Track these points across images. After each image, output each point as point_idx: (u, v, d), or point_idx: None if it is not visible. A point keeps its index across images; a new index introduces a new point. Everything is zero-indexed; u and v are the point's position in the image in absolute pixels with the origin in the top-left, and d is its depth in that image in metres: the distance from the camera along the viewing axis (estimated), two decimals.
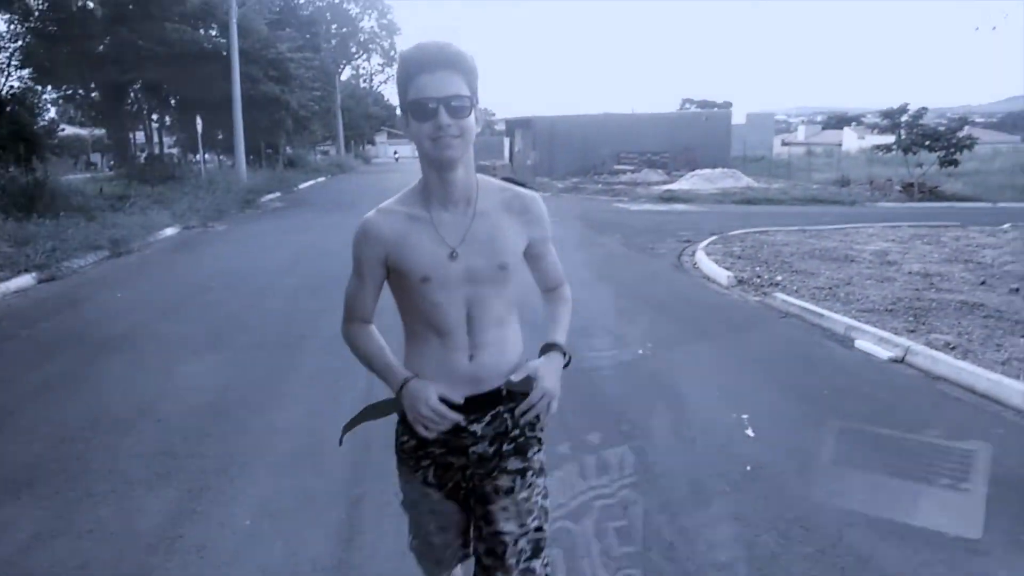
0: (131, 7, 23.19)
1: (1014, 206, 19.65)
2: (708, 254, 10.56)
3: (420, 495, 1.84)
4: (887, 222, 14.58)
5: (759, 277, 8.96)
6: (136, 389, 5.25)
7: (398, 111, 1.73)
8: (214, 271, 10.53)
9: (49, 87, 24.39)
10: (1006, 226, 13.56)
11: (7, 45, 20.74)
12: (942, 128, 22.01)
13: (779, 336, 6.73)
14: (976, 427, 4.46)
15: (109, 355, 6.12)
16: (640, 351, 6.05)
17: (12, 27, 21.12)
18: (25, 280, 9.15)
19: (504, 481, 1.78)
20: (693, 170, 27.14)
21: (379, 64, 59.82)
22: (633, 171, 29.47)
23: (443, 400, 1.70)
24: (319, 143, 55.85)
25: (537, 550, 1.80)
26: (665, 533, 3.17)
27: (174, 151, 33.21)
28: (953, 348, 5.75)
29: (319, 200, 23.79)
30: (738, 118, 40.83)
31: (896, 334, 6.15)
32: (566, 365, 1.83)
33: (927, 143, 21.19)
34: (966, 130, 22.04)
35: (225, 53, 23.02)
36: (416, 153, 1.74)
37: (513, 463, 1.79)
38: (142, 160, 23.87)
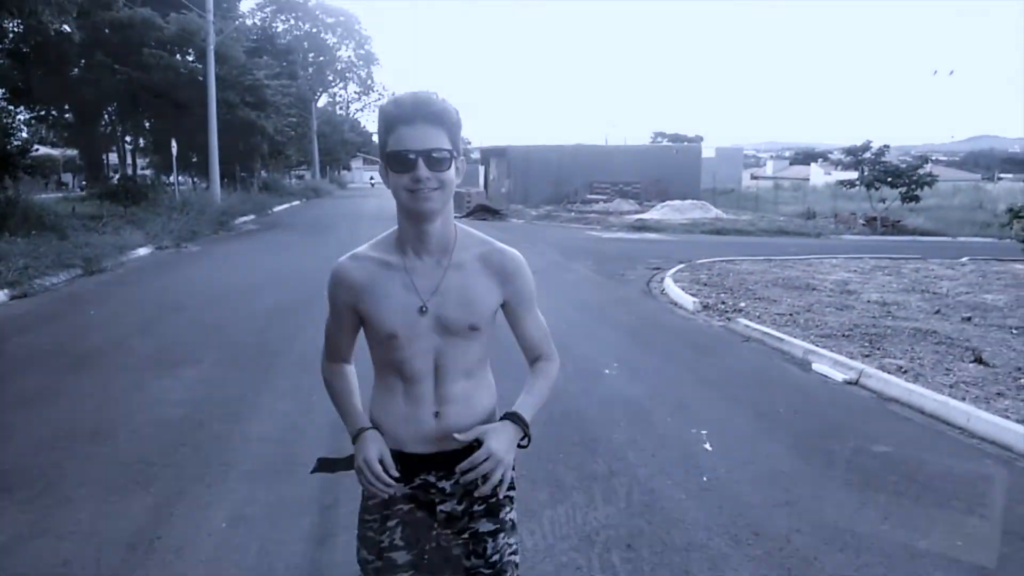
0: (108, 31, 23.29)
1: (973, 240, 20.37)
2: (676, 281, 10.85)
3: (385, 565, 1.75)
4: (850, 254, 15.06)
5: (724, 303, 9.25)
6: (111, 402, 5.34)
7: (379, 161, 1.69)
8: (187, 291, 10.60)
9: (22, 108, 24.33)
10: (964, 259, 14.08)
11: None
12: (903, 165, 22.78)
13: (740, 359, 6.97)
14: (921, 443, 4.72)
15: (84, 369, 6.18)
16: (607, 371, 6.26)
17: None
18: None
19: (475, 545, 1.74)
20: (664, 201, 27.79)
21: (355, 92, 60.16)
22: (606, 200, 30.02)
23: (384, 461, 1.65)
24: (295, 167, 55.92)
25: None
26: (622, 535, 3.35)
27: (147, 172, 33.09)
28: (905, 372, 6.03)
29: (294, 223, 23.88)
30: (708, 152, 41.91)
31: (851, 358, 6.43)
32: (524, 444, 1.71)
33: (889, 179, 21.94)
34: (927, 167, 22.87)
35: (202, 79, 23.11)
36: None
37: (484, 525, 1.74)
38: (115, 181, 23.76)
